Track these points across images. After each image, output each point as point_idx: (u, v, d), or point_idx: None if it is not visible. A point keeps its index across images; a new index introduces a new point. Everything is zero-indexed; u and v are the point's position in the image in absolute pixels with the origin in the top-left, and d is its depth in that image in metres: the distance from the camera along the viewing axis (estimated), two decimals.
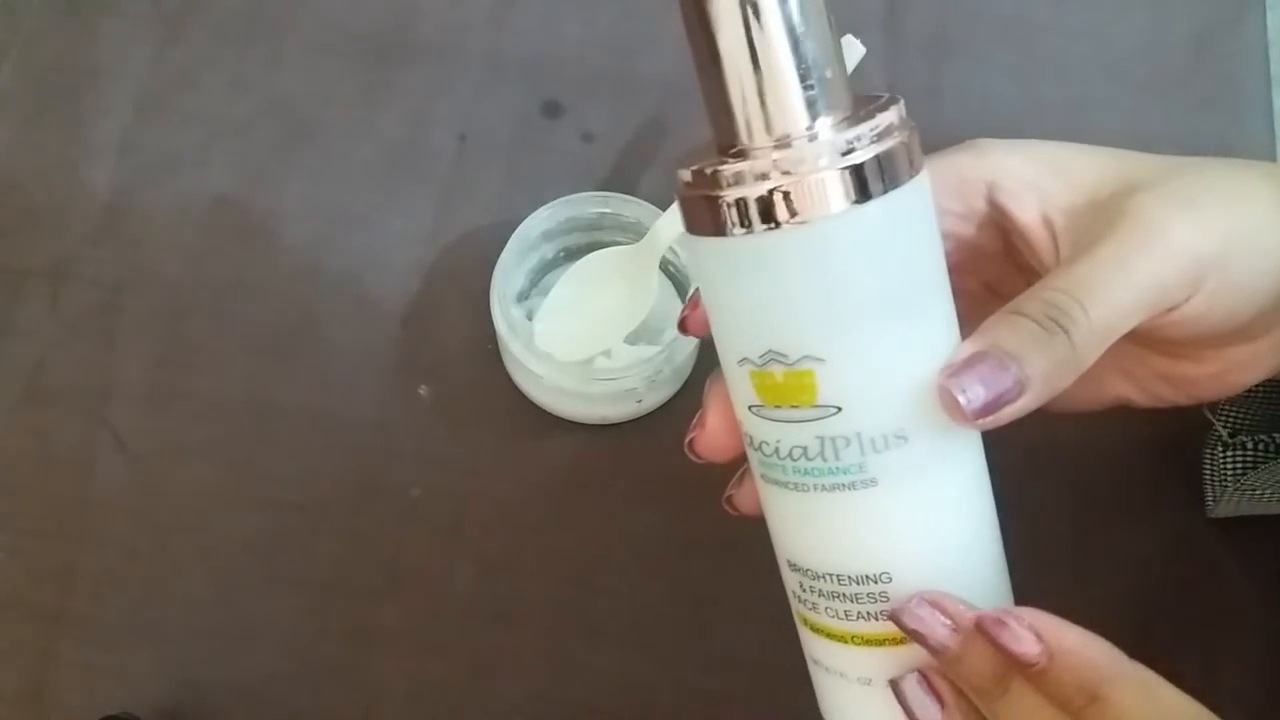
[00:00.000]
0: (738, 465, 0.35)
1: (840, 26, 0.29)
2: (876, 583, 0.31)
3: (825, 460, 0.30)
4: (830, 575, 0.31)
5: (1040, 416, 0.31)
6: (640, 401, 0.52)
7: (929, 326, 0.30)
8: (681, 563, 0.52)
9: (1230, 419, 0.48)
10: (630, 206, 0.51)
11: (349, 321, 0.55)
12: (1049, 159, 0.35)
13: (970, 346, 0.30)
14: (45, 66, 0.58)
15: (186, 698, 0.50)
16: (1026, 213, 0.34)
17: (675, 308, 0.52)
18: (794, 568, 0.33)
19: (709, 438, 0.35)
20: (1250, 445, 0.48)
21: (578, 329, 0.51)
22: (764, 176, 0.28)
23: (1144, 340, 0.35)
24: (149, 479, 0.52)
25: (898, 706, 0.32)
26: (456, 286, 0.55)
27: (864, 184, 0.28)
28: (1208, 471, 0.50)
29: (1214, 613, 0.51)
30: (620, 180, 0.57)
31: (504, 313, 0.49)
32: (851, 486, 0.30)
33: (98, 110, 0.57)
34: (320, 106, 0.58)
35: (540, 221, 0.51)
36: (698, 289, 0.33)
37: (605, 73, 0.59)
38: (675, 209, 0.47)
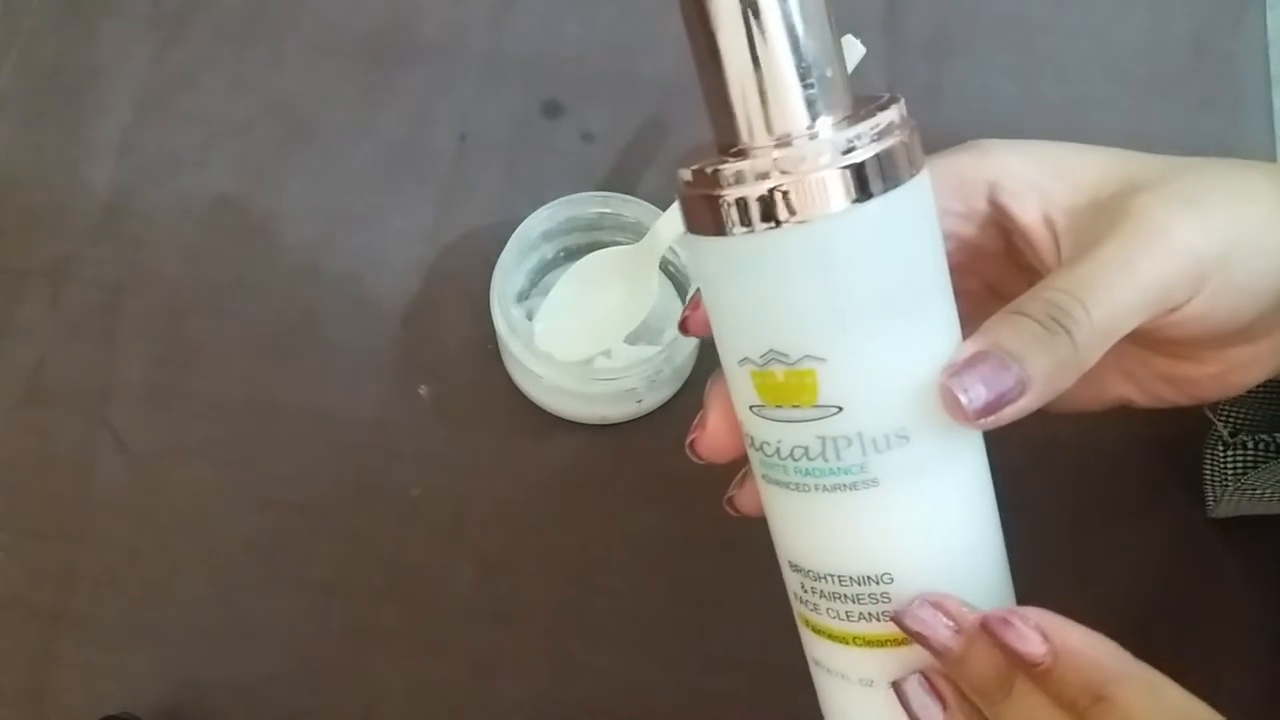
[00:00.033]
0: (739, 466, 0.35)
1: (840, 26, 0.29)
2: (878, 583, 0.31)
3: (826, 460, 0.30)
4: (832, 576, 0.31)
5: (1041, 417, 0.31)
6: (640, 401, 0.52)
7: (930, 326, 0.30)
8: (681, 563, 0.52)
9: (1231, 418, 0.48)
10: (630, 206, 0.51)
11: (349, 321, 0.55)
12: (1050, 159, 0.35)
13: (972, 346, 0.30)
14: (45, 66, 0.58)
15: (186, 698, 0.50)
16: (1028, 213, 0.34)
17: (675, 308, 0.52)
18: (795, 568, 0.33)
19: (710, 438, 0.35)
20: (1251, 445, 0.47)
21: (578, 329, 0.51)
22: (764, 175, 0.28)
23: (1145, 341, 0.35)
24: (149, 479, 0.52)
25: (900, 708, 0.32)
26: (456, 286, 0.55)
27: (865, 183, 0.28)
28: (1208, 471, 0.50)
29: (1214, 613, 0.51)
30: (620, 180, 0.56)
31: (504, 313, 0.49)
32: (853, 487, 0.30)
33: (98, 110, 0.57)
34: (320, 106, 0.58)
35: (540, 221, 0.51)
36: (698, 289, 0.33)
37: (605, 73, 0.59)
38: (675, 209, 0.47)
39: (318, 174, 0.57)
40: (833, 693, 0.34)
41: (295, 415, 0.53)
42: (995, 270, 0.38)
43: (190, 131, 0.57)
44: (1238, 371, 0.36)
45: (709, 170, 0.29)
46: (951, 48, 0.60)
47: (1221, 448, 0.48)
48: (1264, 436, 0.47)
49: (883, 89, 0.31)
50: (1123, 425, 0.41)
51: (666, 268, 0.53)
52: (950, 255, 0.31)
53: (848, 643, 0.32)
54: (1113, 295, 0.31)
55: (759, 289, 0.30)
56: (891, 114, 0.29)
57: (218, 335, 0.54)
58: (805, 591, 0.33)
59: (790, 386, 0.30)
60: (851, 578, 0.31)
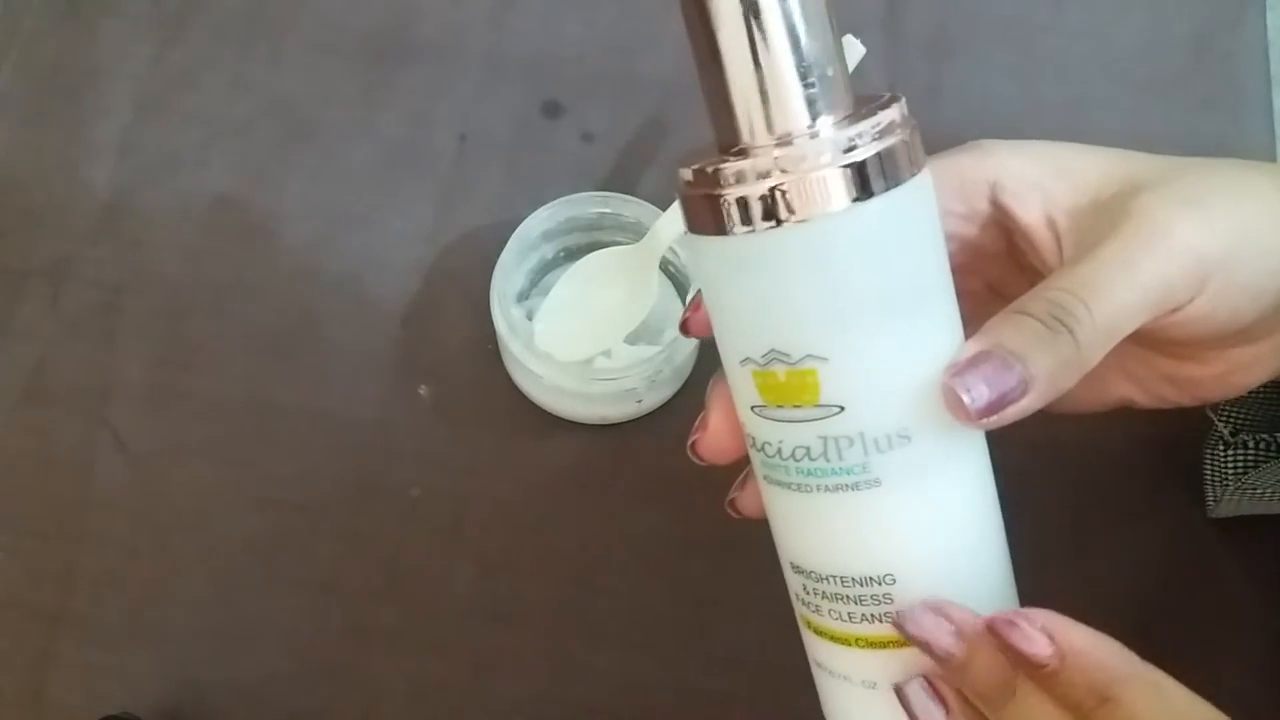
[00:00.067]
0: (740, 467, 0.35)
1: (840, 26, 0.29)
2: (880, 584, 0.31)
3: (828, 460, 0.30)
4: (834, 577, 0.31)
5: (1042, 417, 0.31)
6: (640, 401, 0.52)
7: (932, 325, 0.30)
8: (682, 563, 0.52)
9: (1232, 418, 0.48)
10: (630, 206, 0.51)
11: (349, 321, 0.55)
12: (1052, 159, 0.35)
13: (974, 345, 0.30)
14: (45, 66, 0.58)
15: (186, 698, 0.50)
16: (1030, 213, 0.34)
17: (675, 308, 0.52)
18: (797, 570, 0.33)
19: (711, 439, 0.34)
20: (1252, 444, 0.47)
21: (578, 329, 0.51)
22: (765, 175, 0.28)
23: (1147, 341, 0.35)
24: (149, 479, 0.52)
25: (902, 711, 0.31)
26: (456, 286, 0.55)
27: (866, 181, 0.28)
28: (1209, 471, 0.50)
29: (1214, 613, 0.51)
30: (620, 180, 0.56)
31: (504, 313, 0.49)
32: (855, 487, 0.30)
33: (98, 110, 0.57)
34: (320, 106, 0.58)
35: (540, 221, 0.51)
36: (699, 290, 0.33)
37: (605, 73, 0.59)
38: (675, 209, 0.47)
39: (318, 174, 0.57)
40: (835, 695, 0.34)
41: (295, 415, 0.53)
42: (996, 271, 0.38)
43: (190, 131, 0.57)
44: (1240, 372, 0.36)
45: (710, 170, 0.29)
46: (951, 48, 0.60)
47: (1222, 447, 0.48)
48: (1265, 436, 0.47)
49: (883, 89, 0.31)
50: (1123, 425, 0.41)
51: (666, 268, 0.53)
52: (951, 256, 0.31)
53: (850, 644, 0.32)
54: (1115, 295, 0.31)
55: (760, 288, 0.29)
56: (892, 113, 0.29)
57: (218, 335, 0.54)
58: (807, 593, 0.32)
59: (792, 386, 0.30)
60: (854, 579, 0.31)
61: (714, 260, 0.31)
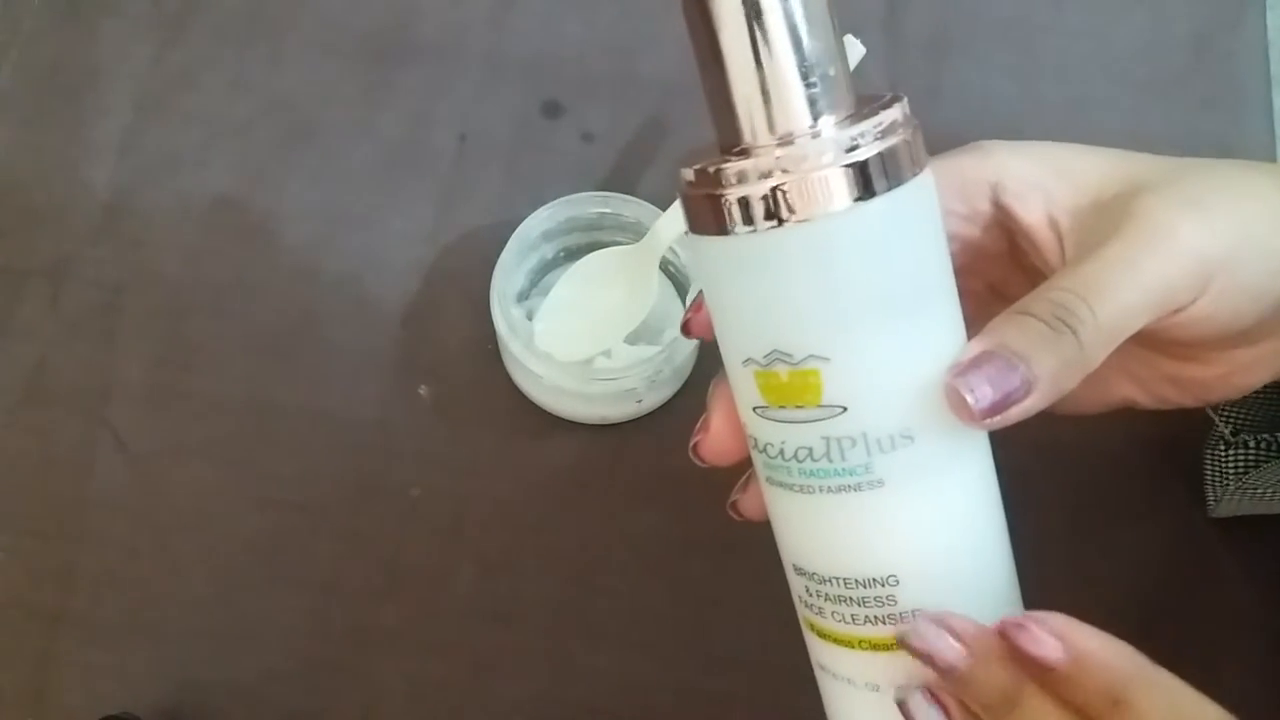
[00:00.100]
0: (742, 469, 0.35)
1: (840, 26, 0.29)
2: (884, 585, 0.31)
3: (831, 461, 0.30)
4: (837, 578, 0.31)
5: (1043, 417, 0.31)
6: (640, 401, 0.52)
7: (935, 325, 0.30)
8: (682, 563, 0.52)
9: (1232, 418, 0.48)
10: (630, 206, 0.51)
11: (349, 321, 0.55)
12: (1054, 160, 0.35)
13: (977, 346, 0.30)
14: (45, 66, 0.58)
15: (186, 698, 0.50)
16: (1032, 214, 0.34)
17: (675, 308, 0.52)
18: (800, 571, 0.33)
19: (713, 441, 0.34)
20: (1252, 444, 0.47)
21: (578, 329, 0.51)
22: (767, 174, 0.28)
23: (1149, 342, 0.35)
24: (149, 479, 0.52)
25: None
26: (456, 286, 0.55)
27: (867, 181, 0.28)
28: (1209, 470, 0.50)
29: (1214, 613, 0.51)
30: (620, 180, 0.56)
31: (504, 313, 0.49)
32: (857, 488, 0.30)
33: (98, 110, 0.57)
34: (320, 106, 0.58)
35: (540, 221, 0.51)
36: (700, 291, 0.33)
37: (605, 73, 0.59)
38: (676, 209, 0.47)
39: (318, 174, 0.57)
40: (838, 698, 0.33)
41: (295, 415, 0.53)
42: (998, 271, 0.38)
43: (190, 131, 0.57)
44: (1241, 373, 0.36)
45: (711, 169, 0.29)
46: (951, 48, 0.60)
47: (1223, 447, 0.48)
48: (1265, 436, 0.47)
49: (883, 89, 0.31)
50: (1123, 425, 0.41)
51: (666, 268, 0.53)
52: (953, 256, 0.31)
53: (853, 647, 0.32)
54: (1118, 296, 0.31)
55: (762, 288, 0.29)
56: (894, 112, 0.29)
57: (218, 335, 0.54)
58: (810, 595, 0.32)
59: (794, 387, 0.30)
60: (857, 580, 0.31)
61: (715, 260, 0.30)
